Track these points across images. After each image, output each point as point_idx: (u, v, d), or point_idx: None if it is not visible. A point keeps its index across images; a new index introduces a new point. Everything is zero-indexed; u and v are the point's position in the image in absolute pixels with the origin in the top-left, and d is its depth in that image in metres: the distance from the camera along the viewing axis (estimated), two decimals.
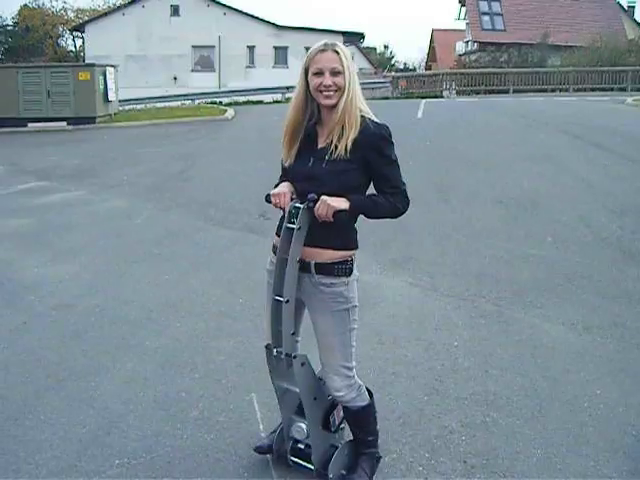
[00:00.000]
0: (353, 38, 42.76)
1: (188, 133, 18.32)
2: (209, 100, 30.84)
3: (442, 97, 30.90)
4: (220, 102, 30.16)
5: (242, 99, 31.48)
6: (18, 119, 21.64)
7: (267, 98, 31.82)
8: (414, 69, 59.33)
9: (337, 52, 2.77)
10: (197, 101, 30.55)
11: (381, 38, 79.82)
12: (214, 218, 8.75)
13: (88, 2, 51.74)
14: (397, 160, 2.88)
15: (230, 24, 39.69)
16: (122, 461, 3.40)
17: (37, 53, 49.54)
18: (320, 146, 2.88)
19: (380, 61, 59.72)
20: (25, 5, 51.37)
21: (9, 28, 52.20)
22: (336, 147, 2.78)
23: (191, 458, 3.45)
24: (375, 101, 29.28)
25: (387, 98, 30.65)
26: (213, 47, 40.19)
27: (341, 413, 3.21)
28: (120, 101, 25.09)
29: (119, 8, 42.53)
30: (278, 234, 2.94)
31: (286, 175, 3.01)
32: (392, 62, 63.47)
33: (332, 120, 2.82)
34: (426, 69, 52.85)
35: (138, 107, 28.75)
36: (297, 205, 2.80)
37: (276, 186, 2.97)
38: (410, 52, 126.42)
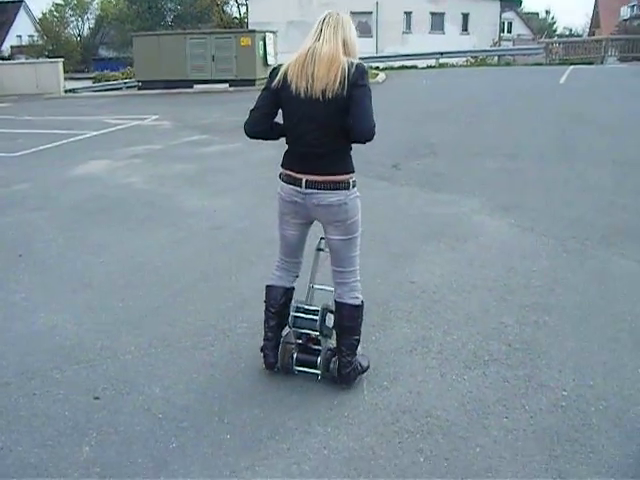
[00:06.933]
0: (511, 3, 42.46)
1: None
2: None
3: (600, 64, 30.42)
4: (377, 67, 31.03)
5: (397, 64, 32.28)
6: (186, 81, 23.76)
7: (421, 63, 32.50)
8: (579, 35, 57.68)
9: None
10: None
11: (544, 3, 77.67)
12: None
13: None
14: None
15: None
16: (248, 324, 4.64)
17: (204, 20, 52.30)
18: None
19: (542, 27, 58.41)
20: None
21: None
22: None
23: None
24: (526, 67, 29.42)
25: (540, 64, 30.60)
26: (370, 13, 41.08)
27: None
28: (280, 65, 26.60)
29: None
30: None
31: None
32: (553, 28, 61.91)
33: None
34: (590, 35, 51.35)
35: None
36: None
37: None
38: (575, 18, 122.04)
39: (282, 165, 3.72)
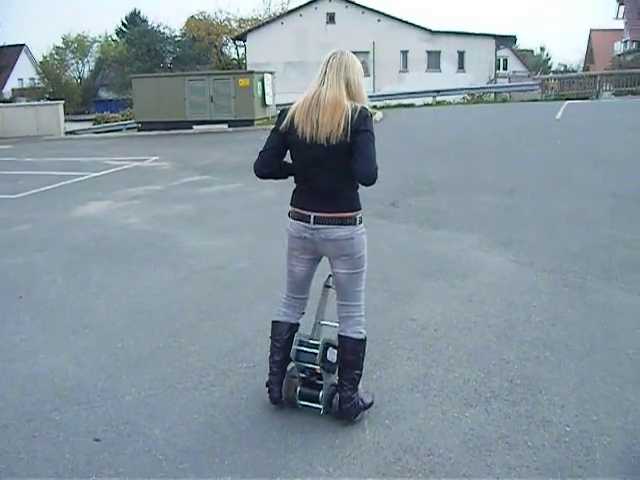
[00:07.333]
0: (505, 41, 42.92)
1: None
2: None
3: (596, 98, 30.75)
4: (374, 106, 31.26)
5: (394, 103, 32.55)
6: (185, 122, 23.98)
7: (418, 101, 32.77)
8: (574, 71, 58.30)
9: None
10: None
11: (538, 40, 78.86)
12: None
13: (250, 12, 54.56)
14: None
15: (384, 30, 41.01)
16: (249, 364, 4.63)
17: (202, 61, 52.97)
18: None
19: (537, 64, 59.05)
20: (192, 17, 55.02)
21: (177, 39, 56.11)
22: None
23: None
24: (522, 103, 29.70)
25: (536, 100, 30.90)
26: (367, 52, 41.45)
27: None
28: (277, 105, 26.80)
29: (278, 17, 44.93)
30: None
31: None
32: (548, 64, 62.66)
33: None
34: (584, 70, 51.88)
35: None
36: None
37: None
38: (569, 54, 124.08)
39: (291, 203, 3.80)
